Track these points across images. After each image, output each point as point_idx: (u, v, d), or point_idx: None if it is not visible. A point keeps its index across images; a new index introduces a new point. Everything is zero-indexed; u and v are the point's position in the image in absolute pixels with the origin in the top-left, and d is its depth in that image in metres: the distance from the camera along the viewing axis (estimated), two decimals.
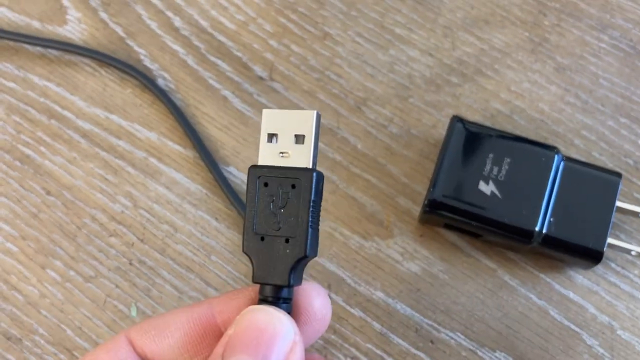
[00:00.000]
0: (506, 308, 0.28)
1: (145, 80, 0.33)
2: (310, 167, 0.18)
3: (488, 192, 0.27)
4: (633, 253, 0.28)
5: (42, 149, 0.32)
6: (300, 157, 0.18)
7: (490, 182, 0.27)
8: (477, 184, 0.27)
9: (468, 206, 0.27)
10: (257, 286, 0.19)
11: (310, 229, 0.18)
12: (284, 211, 0.18)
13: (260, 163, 0.19)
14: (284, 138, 0.19)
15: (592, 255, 0.27)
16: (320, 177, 0.18)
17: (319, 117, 0.19)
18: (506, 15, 0.33)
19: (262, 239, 0.18)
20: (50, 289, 0.30)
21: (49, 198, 0.32)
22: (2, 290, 0.30)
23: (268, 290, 0.18)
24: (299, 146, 0.19)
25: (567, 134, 0.31)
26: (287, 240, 0.18)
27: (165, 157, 0.32)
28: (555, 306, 0.28)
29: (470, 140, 0.28)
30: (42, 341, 0.29)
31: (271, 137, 0.19)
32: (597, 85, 0.31)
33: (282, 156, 0.19)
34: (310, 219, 0.18)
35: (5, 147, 0.32)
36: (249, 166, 0.19)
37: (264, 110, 0.19)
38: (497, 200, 0.27)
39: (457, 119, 0.28)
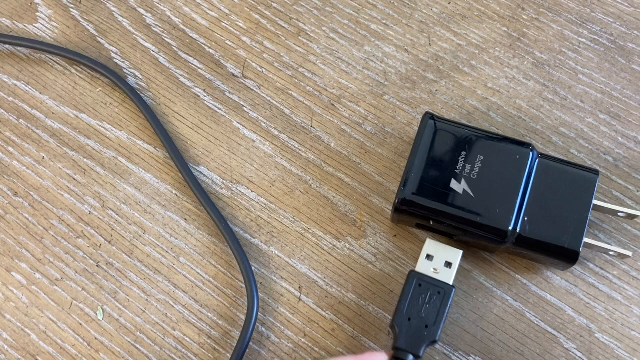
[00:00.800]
0: (481, 310, 0.28)
1: (115, 79, 0.32)
2: (452, 284, 0.26)
3: (460, 191, 0.26)
4: (612, 253, 0.27)
5: (11, 149, 0.32)
6: (447, 276, 0.26)
7: (463, 181, 0.26)
8: (449, 182, 0.26)
9: (439, 205, 0.26)
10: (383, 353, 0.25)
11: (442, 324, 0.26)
12: (429, 307, 0.26)
13: (417, 270, 0.27)
14: (438, 261, 0.27)
15: (568, 255, 0.26)
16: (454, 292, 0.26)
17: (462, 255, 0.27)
18: (484, 10, 0.32)
19: (409, 320, 0.26)
20: (15, 292, 0.29)
21: (16, 199, 0.31)
22: None
23: (404, 355, 0.25)
24: (447, 269, 0.27)
25: (545, 130, 0.30)
26: (426, 326, 0.25)
27: (135, 156, 0.31)
28: (532, 308, 0.27)
29: (442, 137, 0.27)
30: (6, 346, 0.29)
31: (429, 257, 0.27)
32: (576, 80, 0.30)
33: (434, 271, 0.27)
34: (444, 319, 0.26)
35: None
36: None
37: (428, 240, 0.27)
38: (469, 199, 0.26)
39: (429, 116, 0.27)
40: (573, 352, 0.27)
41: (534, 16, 0.32)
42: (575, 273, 0.28)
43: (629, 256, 0.26)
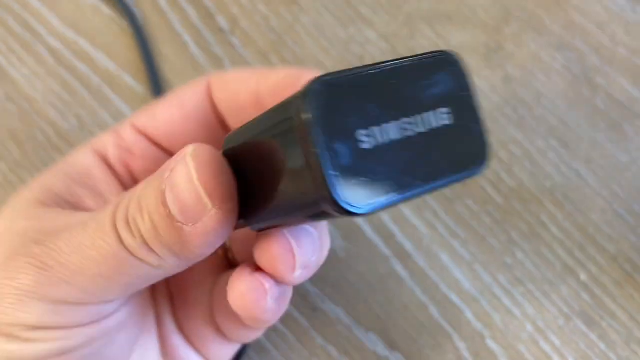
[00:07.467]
0: (390, 296, 0.30)
1: (124, 10, 0.34)
2: None
3: None
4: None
5: (12, 58, 0.35)
6: None
7: None
8: None
9: None
10: None
11: None
12: None
13: None
14: None
15: None
16: None
17: None
18: (470, 16, 0.33)
19: None
20: None
21: (8, 104, 0.34)
22: None
23: None
24: None
25: (495, 143, 0.31)
26: None
27: (118, 87, 0.34)
28: (436, 304, 0.30)
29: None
30: None
31: None
32: (538, 103, 0.32)
33: None
34: None
35: None
36: None
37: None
38: None
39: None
40: (462, 352, 0.29)
41: (516, 31, 0.32)
42: (486, 282, 0.30)
43: None
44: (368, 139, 0.15)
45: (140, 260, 0.19)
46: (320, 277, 0.30)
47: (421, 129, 0.15)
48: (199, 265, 0.25)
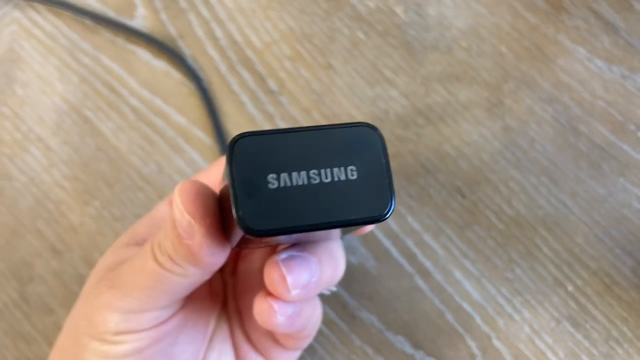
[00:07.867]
0: (414, 305, 0.37)
1: (191, 75, 0.42)
2: None
3: None
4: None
5: (100, 114, 0.43)
6: None
7: None
8: None
9: None
10: None
11: None
12: None
13: None
14: None
15: None
16: None
17: None
18: (475, 76, 0.40)
19: None
20: (88, 220, 0.41)
21: (98, 153, 0.42)
22: (54, 214, 0.41)
23: None
24: None
25: (497, 182, 0.38)
26: None
27: (190, 139, 0.42)
28: (451, 312, 0.37)
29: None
30: (76, 257, 0.40)
31: None
32: (532, 148, 0.39)
33: None
34: None
35: (74, 108, 0.43)
36: None
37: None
38: None
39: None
40: (473, 349, 0.36)
41: (513, 89, 0.40)
42: (491, 293, 0.37)
43: None
44: (276, 182, 0.19)
45: (170, 271, 0.25)
46: (357, 291, 0.38)
47: (328, 180, 0.19)
48: (261, 287, 0.31)
